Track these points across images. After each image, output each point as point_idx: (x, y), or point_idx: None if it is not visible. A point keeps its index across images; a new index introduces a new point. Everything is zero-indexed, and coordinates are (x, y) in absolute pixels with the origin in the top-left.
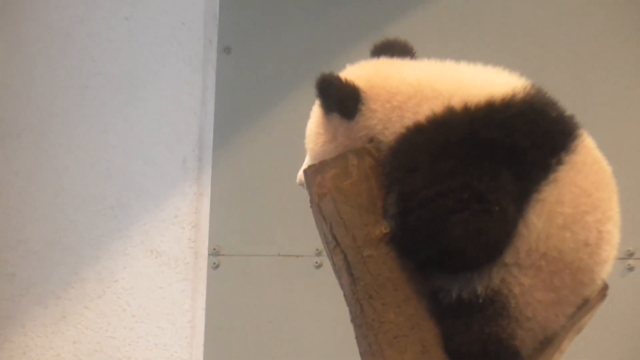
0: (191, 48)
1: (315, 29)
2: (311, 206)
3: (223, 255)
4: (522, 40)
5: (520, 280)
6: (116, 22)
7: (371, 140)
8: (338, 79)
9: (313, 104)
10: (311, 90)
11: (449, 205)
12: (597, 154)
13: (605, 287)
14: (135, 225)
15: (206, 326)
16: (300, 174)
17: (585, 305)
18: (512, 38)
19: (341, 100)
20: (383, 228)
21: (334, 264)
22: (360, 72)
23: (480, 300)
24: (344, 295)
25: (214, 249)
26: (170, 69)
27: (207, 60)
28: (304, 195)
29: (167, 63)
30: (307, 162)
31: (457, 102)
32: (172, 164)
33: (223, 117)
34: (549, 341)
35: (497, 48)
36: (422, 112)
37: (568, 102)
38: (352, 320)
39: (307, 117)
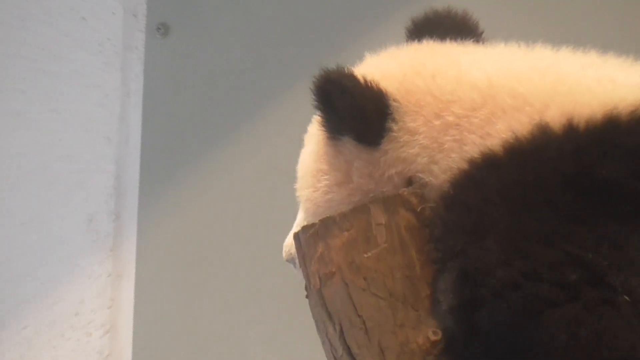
0: (101, 26)
1: None
2: (307, 295)
3: None
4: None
5: None
6: None
7: (409, 181)
8: (352, 78)
9: (308, 120)
10: (304, 96)
11: (545, 293)
12: None
13: None
14: (8, 331)
15: None
16: (288, 242)
17: None
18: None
19: (358, 114)
20: (431, 332)
21: None
22: (388, 66)
23: None
24: None
25: None
26: (65, 62)
27: (129, 47)
28: (296, 278)
29: (62, 52)
30: (300, 220)
31: (555, 115)
32: (71, 225)
33: (155, 146)
34: None
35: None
36: (496, 133)
37: None
38: None
39: (297, 142)
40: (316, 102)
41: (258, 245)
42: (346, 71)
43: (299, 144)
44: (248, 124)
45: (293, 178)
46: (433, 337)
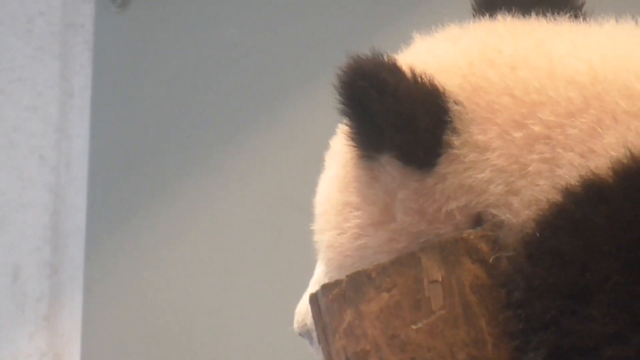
0: None
1: None
2: None
3: None
4: None
5: None
6: None
7: (477, 220)
8: (395, 71)
9: (329, 132)
10: (324, 97)
11: None
12: None
13: None
14: None
15: None
16: (301, 307)
17: None
18: None
19: (403, 123)
20: None
21: None
22: (447, 52)
23: None
24: None
25: None
26: None
27: (72, 25)
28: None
29: None
30: (319, 277)
31: None
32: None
33: (109, 169)
34: None
35: None
36: (604, 149)
37: None
38: None
39: (315, 163)
40: (342, 106)
41: (256, 315)
42: (386, 60)
43: (317, 166)
44: (243, 137)
45: (308, 215)
46: None
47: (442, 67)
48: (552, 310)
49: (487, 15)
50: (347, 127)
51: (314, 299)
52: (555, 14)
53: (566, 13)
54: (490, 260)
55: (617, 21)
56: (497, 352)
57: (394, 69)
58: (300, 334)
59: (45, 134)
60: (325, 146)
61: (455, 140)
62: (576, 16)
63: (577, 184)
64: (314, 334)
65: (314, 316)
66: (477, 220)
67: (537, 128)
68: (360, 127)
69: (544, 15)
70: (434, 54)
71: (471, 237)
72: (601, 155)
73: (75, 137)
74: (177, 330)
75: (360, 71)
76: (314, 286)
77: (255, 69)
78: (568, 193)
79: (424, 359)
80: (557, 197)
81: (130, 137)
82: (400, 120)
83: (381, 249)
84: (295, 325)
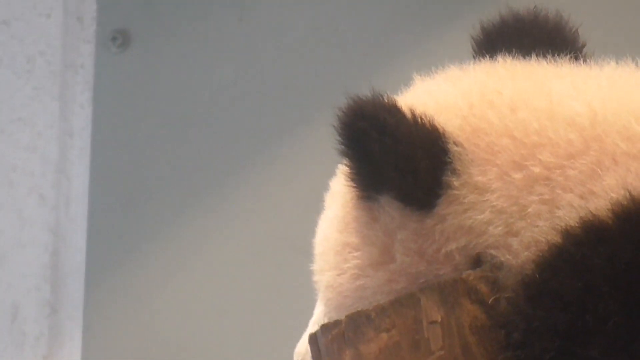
0: (31, 34)
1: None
2: None
3: None
4: None
5: None
6: None
7: (477, 261)
8: (395, 112)
9: (329, 172)
10: (324, 137)
11: None
12: None
13: None
14: None
15: None
16: (300, 348)
17: None
18: None
19: (403, 164)
20: None
21: None
22: (447, 93)
23: None
24: None
25: None
26: None
27: (72, 65)
28: None
29: None
30: (318, 317)
31: None
32: None
33: (109, 209)
34: None
35: None
36: (604, 191)
37: None
38: None
39: (314, 204)
40: (342, 147)
41: (255, 355)
42: (386, 101)
43: (317, 206)
44: (242, 177)
45: (308, 256)
46: None
47: (442, 108)
48: (551, 352)
49: (488, 56)
50: (346, 168)
51: (313, 339)
52: (556, 55)
53: (566, 55)
54: (490, 301)
55: (617, 63)
56: None
57: (394, 109)
58: None
59: (45, 174)
60: (325, 186)
61: (455, 181)
62: (576, 58)
63: (577, 225)
64: None
65: (313, 356)
66: (477, 261)
67: (536, 169)
68: (360, 168)
69: (544, 57)
70: (434, 95)
71: (470, 278)
72: (601, 196)
73: (75, 177)
74: None
75: (360, 112)
76: (313, 326)
77: (255, 109)
78: (567, 234)
79: None
80: (556, 238)
81: (129, 178)
82: (399, 161)
83: (380, 290)
84: None
